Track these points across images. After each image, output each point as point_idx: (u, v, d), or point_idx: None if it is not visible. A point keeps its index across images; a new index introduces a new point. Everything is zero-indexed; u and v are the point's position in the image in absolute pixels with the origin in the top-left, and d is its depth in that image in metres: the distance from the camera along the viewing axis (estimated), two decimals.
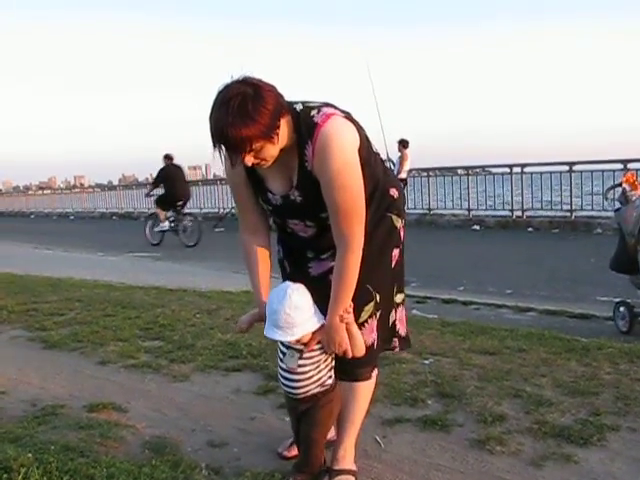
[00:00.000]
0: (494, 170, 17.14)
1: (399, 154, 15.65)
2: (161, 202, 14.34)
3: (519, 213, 14.52)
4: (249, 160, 2.28)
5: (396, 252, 2.65)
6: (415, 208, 16.77)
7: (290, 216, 2.54)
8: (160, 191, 14.61)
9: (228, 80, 2.25)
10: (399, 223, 2.66)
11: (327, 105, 2.43)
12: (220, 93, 2.24)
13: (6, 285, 8.30)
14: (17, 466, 2.43)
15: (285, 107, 2.30)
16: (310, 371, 2.49)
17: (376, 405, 3.40)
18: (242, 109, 2.16)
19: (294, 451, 2.77)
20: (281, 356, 2.53)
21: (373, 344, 2.61)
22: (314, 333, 2.45)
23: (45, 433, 3.10)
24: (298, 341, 2.44)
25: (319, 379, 2.50)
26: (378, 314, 2.60)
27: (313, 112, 2.36)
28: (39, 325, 5.71)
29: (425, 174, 17.31)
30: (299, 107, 2.39)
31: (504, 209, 15.25)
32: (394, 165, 15.92)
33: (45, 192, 45.56)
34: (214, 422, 3.27)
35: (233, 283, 7.53)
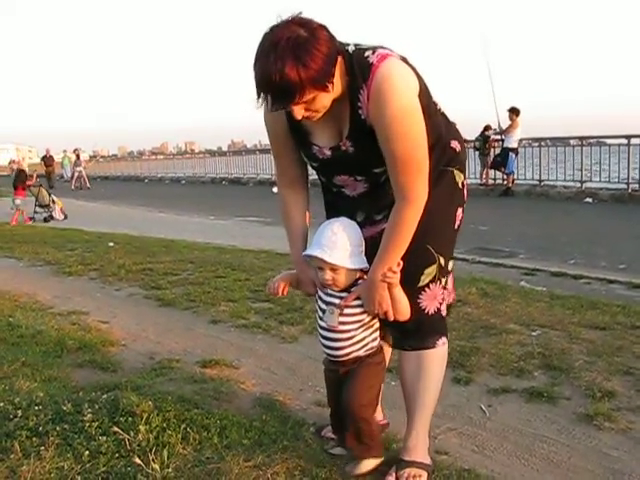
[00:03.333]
0: (609, 141, 16.40)
1: (509, 122, 15.28)
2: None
3: (636, 187, 13.88)
4: (299, 113, 2.03)
5: (460, 212, 2.41)
6: (525, 179, 16.35)
7: (339, 171, 2.31)
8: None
9: (275, 21, 1.98)
10: (461, 179, 2.41)
11: (382, 47, 2.15)
12: (267, 35, 1.96)
13: (123, 245, 8.74)
14: (140, 412, 2.61)
15: (339, 50, 2.05)
16: (352, 330, 2.31)
17: (482, 374, 3.42)
18: (292, 53, 1.90)
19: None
20: (320, 314, 2.38)
21: (438, 311, 2.39)
22: (353, 286, 2.29)
23: (162, 384, 3.28)
24: (335, 281, 2.26)
25: (362, 340, 2.33)
26: (444, 281, 2.39)
27: (367, 52, 2.10)
28: (154, 284, 6.01)
29: (536, 144, 16.79)
30: (351, 48, 2.13)
31: (620, 182, 14.58)
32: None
33: (158, 157, 47.05)
34: (321, 383, 3.32)
35: None
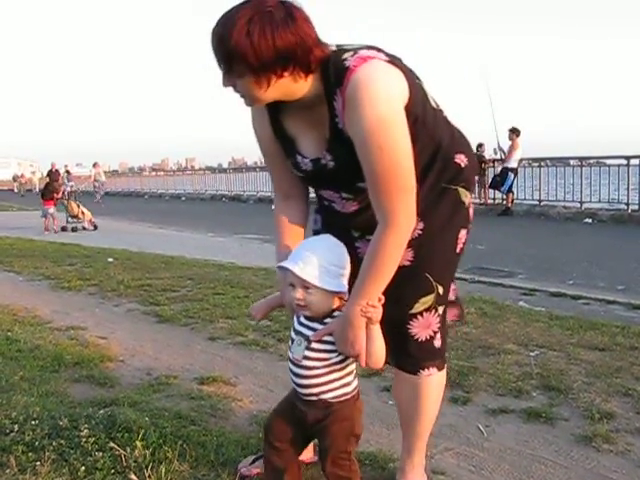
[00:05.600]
0: (609, 162, 16.48)
1: (510, 142, 15.36)
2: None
3: (635, 207, 13.93)
4: (224, 82, 1.90)
5: (463, 234, 2.21)
6: (525, 199, 16.42)
7: (323, 185, 2.15)
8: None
9: None
10: (467, 198, 2.19)
11: (369, 48, 1.94)
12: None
13: (123, 261, 8.74)
14: (136, 428, 2.60)
15: (305, 57, 1.86)
16: (318, 369, 2.04)
17: (480, 394, 3.41)
18: (246, 21, 1.77)
19: (255, 470, 2.41)
20: (290, 343, 2.13)
21: (431, 339, 2.21)
22: (328, 317, 2.04)
23: (159, 401, 3.27)
24: (306, 303, 2.00)
25: (330, 382, 2.05)
26: (441, 310, 2.20)
27: (346, 55, 1.90)
28: (153, 300, 6.01)
29: (536, 164, 16.88)
30: (331, 49, 1.95)
31: (619, 202, 14.63)
32: (504, 154, 15.66)
33: (158, 173, 47.13)
34: None
35: None
